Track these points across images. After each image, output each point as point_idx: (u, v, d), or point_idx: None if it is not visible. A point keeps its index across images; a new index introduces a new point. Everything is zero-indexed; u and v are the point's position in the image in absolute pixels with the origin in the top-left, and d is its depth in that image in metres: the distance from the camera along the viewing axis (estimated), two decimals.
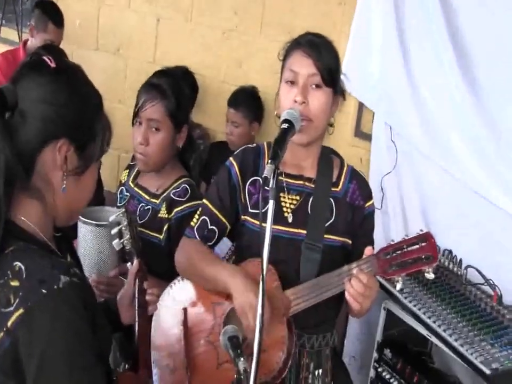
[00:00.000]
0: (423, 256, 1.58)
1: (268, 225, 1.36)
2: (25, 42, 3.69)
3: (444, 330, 2.35)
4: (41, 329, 1.08)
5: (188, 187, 2.06)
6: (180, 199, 2.03)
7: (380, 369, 2.68)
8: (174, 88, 2.07)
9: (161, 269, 1.86)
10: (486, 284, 2.57)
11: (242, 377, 1.37)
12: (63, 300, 1.10)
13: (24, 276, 1.11)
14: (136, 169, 2.20)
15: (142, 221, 2.06)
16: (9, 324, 1.08)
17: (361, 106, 3.06)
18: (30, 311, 1.08)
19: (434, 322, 2.40)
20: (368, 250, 1.61)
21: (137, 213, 2.09)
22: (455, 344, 2.30)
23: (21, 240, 1.16)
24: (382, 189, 2.96)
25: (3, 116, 1.16)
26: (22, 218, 1.19)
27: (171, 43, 3.81)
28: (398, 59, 2.85)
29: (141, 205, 2.12)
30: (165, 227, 2.03)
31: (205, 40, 3.67)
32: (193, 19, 3.70)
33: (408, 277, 2.56)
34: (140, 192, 2.15)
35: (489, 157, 2.67)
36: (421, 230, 1.63)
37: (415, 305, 2.49)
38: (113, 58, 4.02)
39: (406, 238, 1.62)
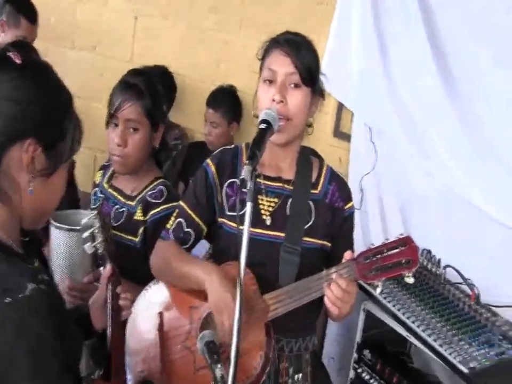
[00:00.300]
0: (403, 261, 1.55)
1: (246, 228, 1.32)
2: None
3: (423, 331, 2.34)
4: (5, 339, 1.02)
5: (164, 188, 2.00)
6: (156, 201, 1.97)
7: (359, 370, 2.65)
8: (150, 87, 2.02)
9: (136, 273, 1.80)
10: (464, 283, 2.55)
11: None
12: (29, 309, 1.05)
13: None
14: (111, 170, 2.13)
15: (117, 223, 2.00)
16: None
17: (340, 106, 3.03)
18: None
19: (413, 322, 2.38)
20: (347, 255, 1.57)
21: (112, 215, 2.03)
22: (434, 344, 2.29)
23: None
24: (361, 189, 2.94)
25: None
26: None
27: (149, 41, 3.73)
28: (377, 59, 2.83)
29: (115, 207, 2.06)
30: (141, 230, 1.98)
31: (184, 38, 3.60)
32: (171, 17, 3.63)
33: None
34: (115, 193, 2.09)
35: (467, 156, 2.66)
36: (401, 234, 1.59)
37: (394, 306, 2.47)
38: (90, 57, 3.92)
39: (386, 241, 1.59)
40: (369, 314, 2.63)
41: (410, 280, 1.56)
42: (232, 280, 1.52)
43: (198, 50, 3.56)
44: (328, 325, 3.09)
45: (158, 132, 2.04)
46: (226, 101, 3.30)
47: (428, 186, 2.82)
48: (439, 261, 2.65)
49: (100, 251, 1.60)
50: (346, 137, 3.08)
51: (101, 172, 2.22)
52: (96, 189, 2.17)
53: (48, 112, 1.16)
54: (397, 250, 1.56)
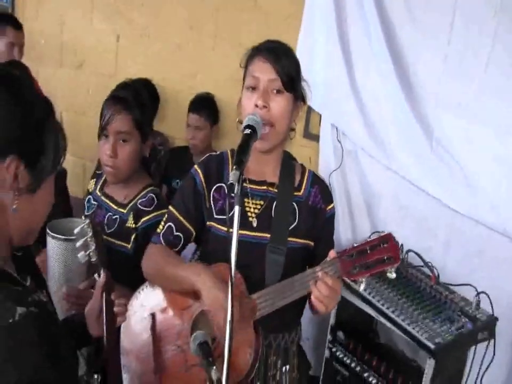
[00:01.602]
0: (385, 258, 1.40)
1: (235, 231, 1.16)
2: None
3: (392, 312, 2.25)
4: None
5: (154, 196, 1.82)
6: (147, 208, 1.79)
7: (334, 350, 2.52)
8: (138, 99, 1.83)
9: (129, 279, 1.62)
10: (425, 266, 2.46)
11: None
12: (19, 335, 0.87)
13: None
14: (103, 178, 1.94)
15: (110, 231, 1.82)
16: None
17: (309, 109, 2.88)
18: None
19: (382, 305, 2.29)
20: (332, 253, 1.42)
21: (105, 222, 1.85)
22: (403, 323, 2.20)
23: None
24: (329, 185, 2.82)
25: None
26: None
27: (131, 57, 3.55)
28: (342, 67, 2.71)
29: (108, 214, 1.87)
30: (133, 237, 1.79)
31: (163, 54, 3.43)
32: (151, 35, 3.46)
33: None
34: (107, 201, 1.90)
35: (423, 153, 2.57)
36: (383, 232, 1.45)
37: (364, 290, 2.35)
38: (76, 74, 3.73)
39: (368, 239, 1.44)
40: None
41: (392, 275, 1.43)
42: (223, 280, 1.37)
43: (176, 64, 3.39)
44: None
45: (147, 142, 1.87)
46: (207, 106, 3.16)
47: (389, 181, 2.71)
48: (401, 246, 2.55)
49: (93, 259, 1.40)
50: (315, 137, 2.95)
51: (93, 180, 2.02)
52: (90, 196, 1.97)
53: (26, 127, 0.97)
54: (379, 247, 1.41)
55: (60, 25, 3.74)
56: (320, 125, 2.91)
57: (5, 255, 1.00)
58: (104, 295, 1.34)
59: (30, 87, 1.00)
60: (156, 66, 3.44)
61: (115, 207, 1.87)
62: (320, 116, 2.89)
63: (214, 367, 1.21)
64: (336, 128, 2.83)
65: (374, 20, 2.55)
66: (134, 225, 1.79)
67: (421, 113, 2.54)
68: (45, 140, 0.99)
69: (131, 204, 1.83)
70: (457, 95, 2.45)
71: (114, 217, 1.85)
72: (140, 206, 1.80)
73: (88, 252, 1.42)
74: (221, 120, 3.21)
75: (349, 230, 2.85)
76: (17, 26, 3.24)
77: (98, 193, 1.94)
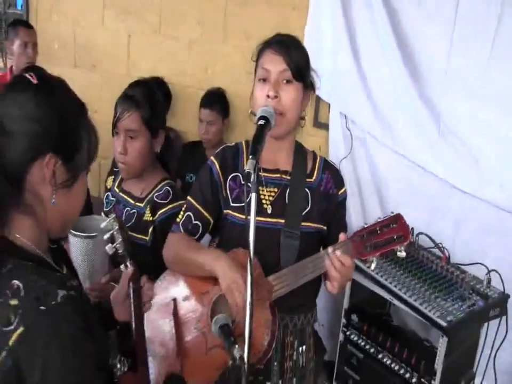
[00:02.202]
0: (395, 237, 1.45)
1: (252, 217, 1.23)
2: (11, 68, 3.43)
3: (405, 293, 2.29)
4: (41, 347, 0.92)
5: (169, 189, 1.87)
6: (163, 201, 1.85)
7: (348, 333, 2.57)
8: (148, 97, 1.88)
9: (148, 269, 1.65)
10: (436, 247, 2.50)
11: (238, 363, 1.23)
12: (61, 316, 0.94)
13: (22, 294, 0.95)
14: (120, 175, 1.99)
15: (128, 224, 1.87)
16: (10, 342, 0.92)
17: (318, 99, 2.92)
18: (30, 329, 0.92)
19: (395, 286, 2.33)
20: (342, 236, 1.47)
21: (124, 217, 1.91)
22: (415, 303, 2.24)
23: (18, 258, 1.00)
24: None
25: None
26: (17, 235, 1.02)
27: (142, 55, 3.61)
28: (349, 55, 2.74)
29: (126, 209, 1.93)
30: (150, 229, 1.85)
31: (174, 50, 3.48)
32: (162, 32, 3.51)
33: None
34: (125, 196, 1.96)
35: (430, 137, 2.61)
36: (392, 212, 1.50)
37: (377, 273, 2.40)
38: (90, 73, 3.81)
39: (379, 220, 1.49)
40: (354, 282, 2.54)
41: (402, 254, 1.47)
42: (240, 264, 1.43)
43: (187, 60, 3.44)
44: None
45: (158, 138, 1.91)
46: (218, 100, 3.20)
47: (398, 165, 2.75)
48: (412, 229, 2.59)
49: (119, 251, 1.47)
50: (324, 126, 2.99)
51: (111, 177, 2.08)
52: (108, 193, 2.03)
53: (64, 125, 1.03)
54: (389, 227, 1.46)
55: (73, 27, 3.82)
56: (329, 113, 2.94)
57: (44, 247, 1.08)
58: (131, 283, 1.41)
59: (62, 86, 1.07)
60: (167, 63, 3.49)
61: (132, 202, 1.92)
62: (329, 105, 2.93)
63: (237, 346, 1.26)
64: (345, 116, 2.86)
65: (379, 7, 2.57)
66: (151, 218, 1.85)
67: (427, 97, 2.57)
68: (80, 137, 1.06)
69: (148, 198, 1.89)
70: (463, 77, 2.47)
71: (132, 211, 1.91)
72: (156, 199, 1.85)
73: (114, 244, 1.49)
74: (230, 113, 3.24)
75: (360, 215, 2.89)
76: (29, 26, 3.38)
77: (117, 190, 2.00)
